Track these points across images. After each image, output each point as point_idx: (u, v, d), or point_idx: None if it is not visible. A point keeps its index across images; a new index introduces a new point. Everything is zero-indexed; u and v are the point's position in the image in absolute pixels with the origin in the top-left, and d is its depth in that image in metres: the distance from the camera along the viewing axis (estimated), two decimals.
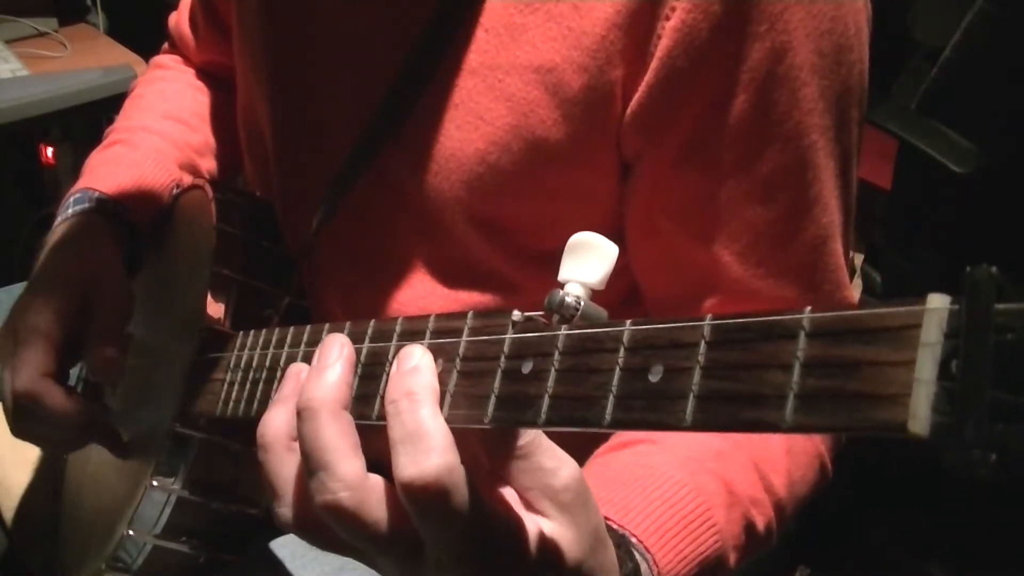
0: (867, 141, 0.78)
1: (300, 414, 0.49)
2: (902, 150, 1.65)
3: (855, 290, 1.62)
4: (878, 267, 1.71)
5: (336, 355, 0.51)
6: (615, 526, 0.62)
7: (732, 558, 0.68)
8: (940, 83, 1.62)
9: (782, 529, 0.73)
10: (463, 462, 0.45)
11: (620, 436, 0.73)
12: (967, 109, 1.59)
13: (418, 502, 0.43)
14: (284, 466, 0.51)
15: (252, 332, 0.71)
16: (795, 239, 0.73)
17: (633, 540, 0.61)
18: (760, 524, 0.70)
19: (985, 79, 1.57)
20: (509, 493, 0.48)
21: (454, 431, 0.45)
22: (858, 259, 1.75)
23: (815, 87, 0.68)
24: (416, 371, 0.47)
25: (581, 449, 0.52)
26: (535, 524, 0.47)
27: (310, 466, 0.47)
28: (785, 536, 0.74)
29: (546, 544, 0.47)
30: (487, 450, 0.47)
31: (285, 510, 0.51)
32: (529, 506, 0.48)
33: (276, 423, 0.52)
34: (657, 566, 0.61)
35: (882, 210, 1.72)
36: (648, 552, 0.61)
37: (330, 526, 0.48)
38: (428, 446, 0.44)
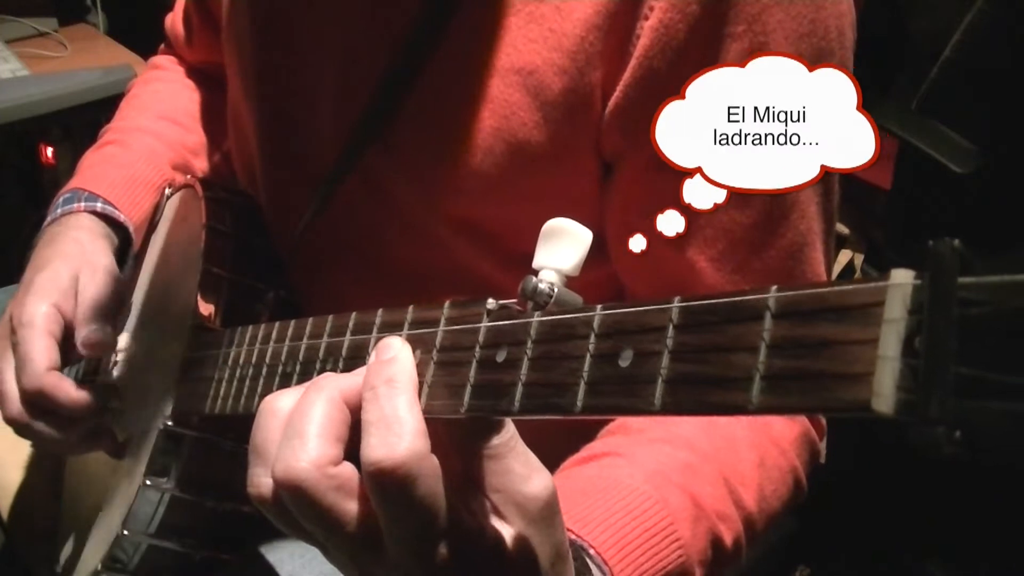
0: None
1: (305, 390, 0.47)
2: (902, 150, 1.64)
3: None
4: (878, 267, 1.70)
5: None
6: (574, 536, 0.60)
7: (698, 574, 0.66)
8: (940, 83, 1.61)
9: (753, 544, 0.72)
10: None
11: (587, 450, 0.72)
12: (967, 109, 1.58)
13: (383, 486, 0.42)
14: (274, 430, 0.48)
15: (240, 329, 0.71)
16: (772, 245, 0.72)
17: (591, 552, 0.60)
18: (728, 539, 0.68)
19: (985, 79, 1.56)
20: (476, 499, 0.47)
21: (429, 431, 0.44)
22: (858, 259, 1.74)
23: None
24: (396, 361, 0.46)
25: (548, 463, 0.50)
26: (497, 531, 0.46)
27: (287, 431, 0.46)
28: (785, 536, 0.73)
29: (506, 553, 0.46)
30: (459, 448, 0.46)
31: (257, 470, 0.48)
32: (496, 511, 0.46)
33: (290, 394, 0.50)
34: None
35: (882, 210, 1.71)
36: (606, 564, 0.60)
37: (284, 501, 0.46)
38: (401, 430, 0.43)
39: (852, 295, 0.29)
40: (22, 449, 1.09)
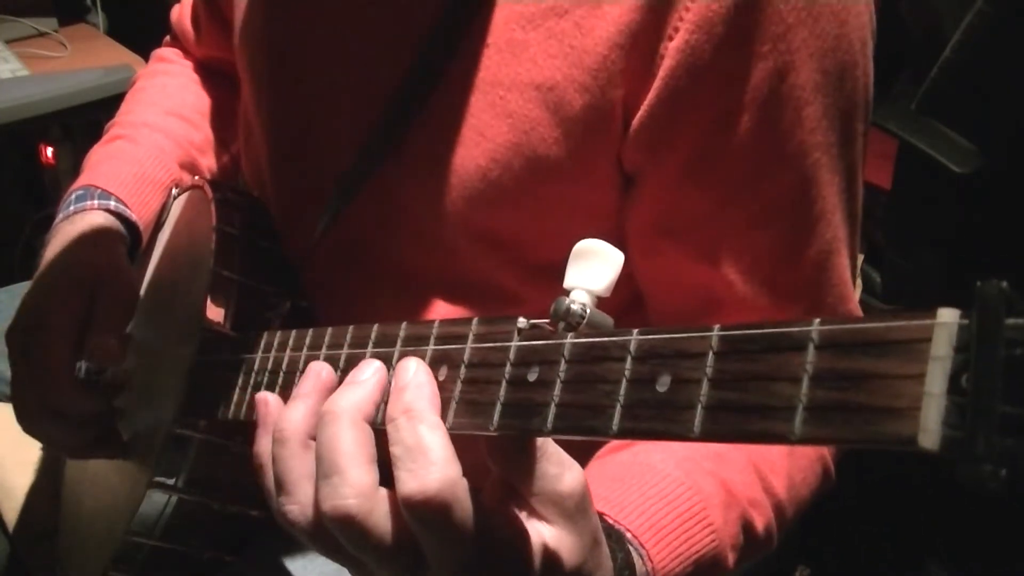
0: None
1: (323, 418, 0.49)
2: (902, 150, 1.64)
3: (855, 291, 1.62)
4: (878, 267, 1.70)
5: (370, 374, 0.51)
6: (611, 521, 0.62)
7: (731, 558, 0.68)
8: (940, 83, 1.61)
9: (783, 531, 0.73)
10: (471, 465, 0.45)
11: None
12: (967, 109, 1.58)
13: (420, 516, 0.44)
14: (299, 462, 0.51)
15: (252, 335, 0.71)
16: (800, 257, 0.73)
17: (628, 535, 0.62)
18: (759, 525, 0.70)
19: (985, 79, 1.56)
20: (513, 504, 0.49)
21: (460, 437, 0.46)
22: (858, 259, 1.75)
23: (819, 106, 0.68)
24: (409, 387, 0.48)
25: (583, 452, 0.52)
26: (538, 533, 0.48)
27: (323, 470, 0.48)
28: (785, 536, 0.74)
29: (548, 552, 0.47)
30: (493, 455, 0.47)
31: (293, 508, 0.51)
32: (533, 512, 0.48)
33: (295, 417, 0.52)
34: (651, 561, 0.62)
35: (882, 210, 1.71)
36: (643, 547, 0.62)
37: (334, 533, 0.48)
38: (428, 460, 0.44)
39: (897, 331, 0.29)
40: (23, 451, 1.09)
